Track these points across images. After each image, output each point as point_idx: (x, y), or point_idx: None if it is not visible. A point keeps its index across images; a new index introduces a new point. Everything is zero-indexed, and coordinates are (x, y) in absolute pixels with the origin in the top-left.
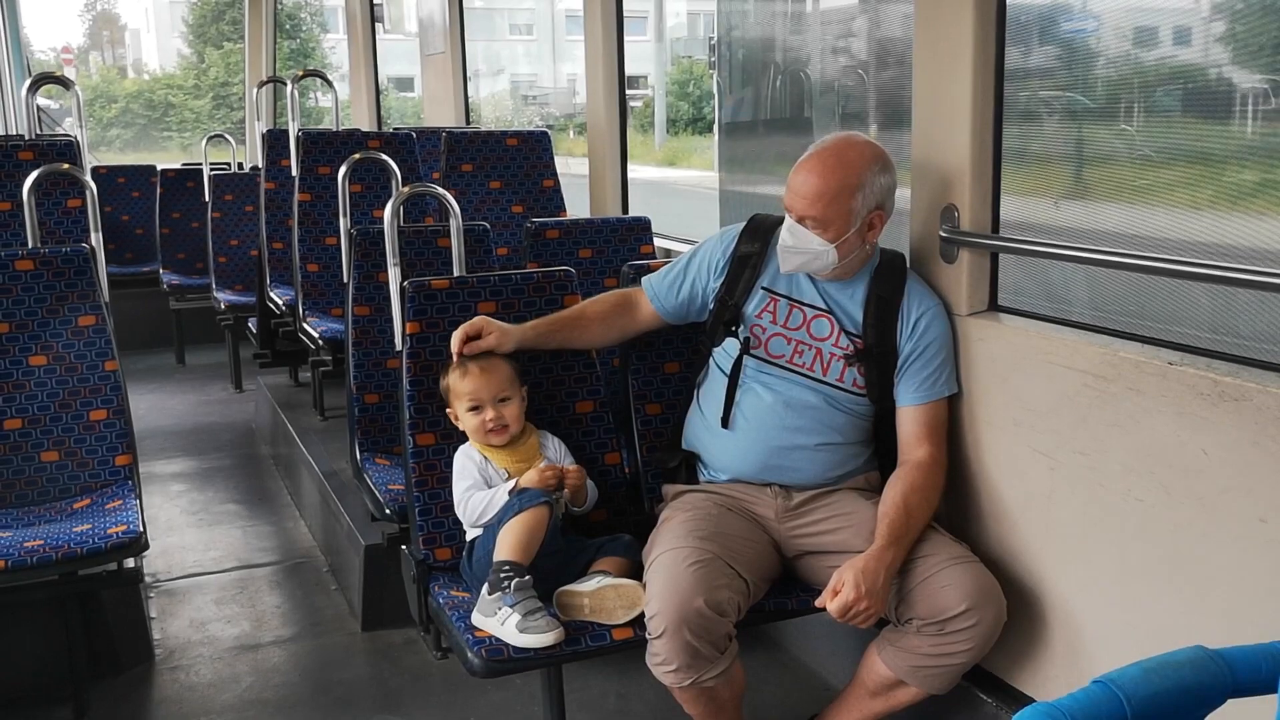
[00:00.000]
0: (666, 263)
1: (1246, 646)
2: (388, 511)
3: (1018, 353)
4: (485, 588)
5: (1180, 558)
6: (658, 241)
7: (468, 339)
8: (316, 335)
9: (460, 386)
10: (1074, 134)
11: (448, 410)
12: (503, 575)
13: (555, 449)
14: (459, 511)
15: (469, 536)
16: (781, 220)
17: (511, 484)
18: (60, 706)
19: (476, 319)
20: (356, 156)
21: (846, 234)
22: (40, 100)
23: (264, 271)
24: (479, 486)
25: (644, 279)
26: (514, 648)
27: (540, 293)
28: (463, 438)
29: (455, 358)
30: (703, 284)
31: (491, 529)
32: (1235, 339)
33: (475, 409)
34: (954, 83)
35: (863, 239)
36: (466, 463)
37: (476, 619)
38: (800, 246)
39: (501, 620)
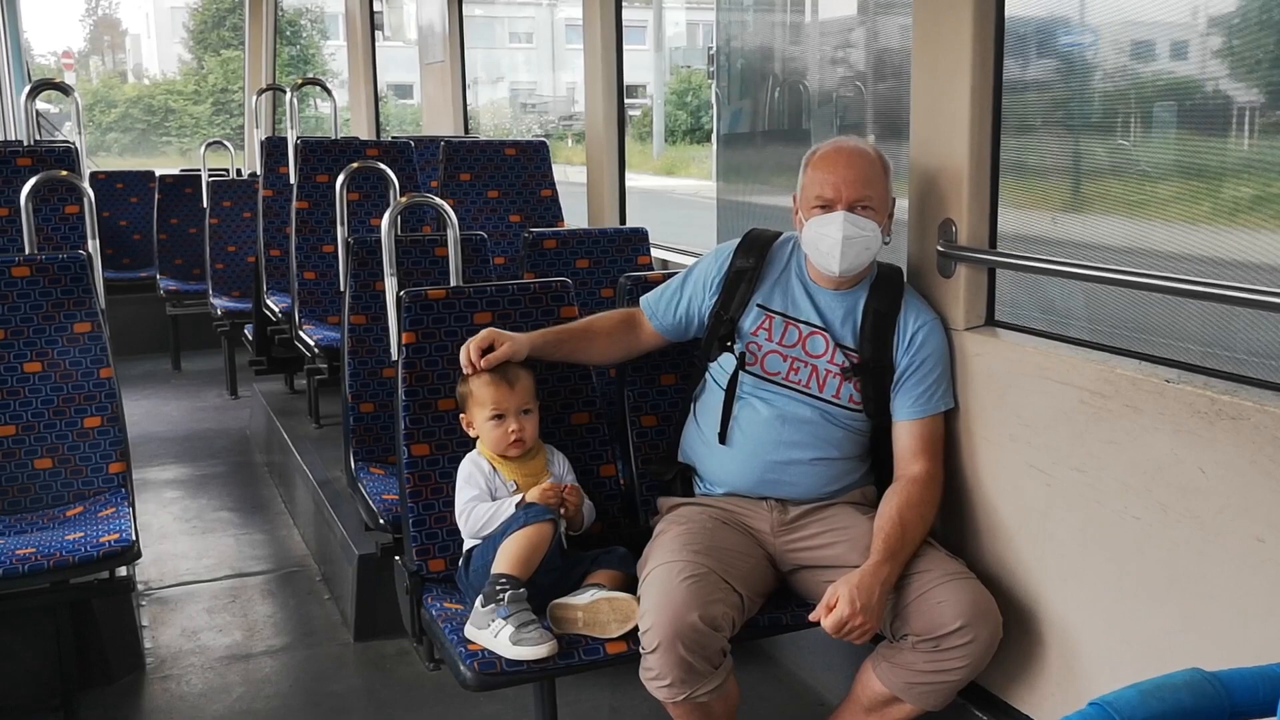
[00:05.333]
0: (662, 274)
1: (1244, 669)
2: (382, 521)
3: (1015, 368)
4: (480, 599)
5: (1177, 576)
6: (655, 252)
7: (483, 351)
8: (313, 343)
9: (484, 394)
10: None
11: (461, 416)
12: (498, 587)
13: (560, 465)
14: (459, 520)
15: (466, 546)
16: (777, 235)
17: (518, 497)
18: (50, 715)
19: (486, 332)
20: (355, 165)
21: (886, 217)
22: (38, 105)
23: (261, 278)
24: (484, 498)
25: (642, 299)
26: (506, 660)
27: (537, 303)
28: (459, 447)
29: (472, 370)
30: (699, 302)
31: (492, 540)
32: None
33: (498, 418)
34: (952, 96)
35: (889, 227)
36: (474, 471)
37: (469, 631)
38: (864, 234)
39: (495, 632)
